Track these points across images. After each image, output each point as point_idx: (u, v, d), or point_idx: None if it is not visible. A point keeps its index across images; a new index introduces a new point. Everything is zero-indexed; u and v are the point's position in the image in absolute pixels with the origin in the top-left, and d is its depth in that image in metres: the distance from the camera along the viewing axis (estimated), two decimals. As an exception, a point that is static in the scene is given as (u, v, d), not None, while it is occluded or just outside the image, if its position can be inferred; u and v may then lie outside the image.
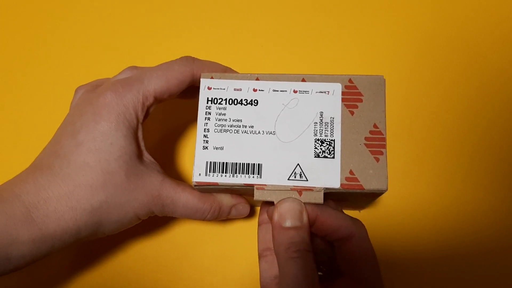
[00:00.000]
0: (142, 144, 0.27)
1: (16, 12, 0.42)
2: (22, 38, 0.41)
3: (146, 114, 0.27)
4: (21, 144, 0.37)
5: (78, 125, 0.25)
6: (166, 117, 0.37)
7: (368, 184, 0.23)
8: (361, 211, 0.33)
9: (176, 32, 0.40)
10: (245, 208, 0.30)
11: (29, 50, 0.40)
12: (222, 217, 0.29)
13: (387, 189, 0.23)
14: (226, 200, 0.29)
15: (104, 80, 0.31)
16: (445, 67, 0.37)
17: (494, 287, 0.32)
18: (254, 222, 0.34)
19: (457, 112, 0.35)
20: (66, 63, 0.40)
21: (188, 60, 0.28)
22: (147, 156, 0.27)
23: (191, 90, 0.29)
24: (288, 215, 0.23)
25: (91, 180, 0.24)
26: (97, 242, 0.33)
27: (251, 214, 0.32)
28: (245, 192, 0.27)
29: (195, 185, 0.25)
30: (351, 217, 0.25)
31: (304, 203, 0.24)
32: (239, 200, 0.29)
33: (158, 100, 0.27)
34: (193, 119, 0.27)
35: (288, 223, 0.23)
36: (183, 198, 0.27)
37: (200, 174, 0.25)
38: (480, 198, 0.33)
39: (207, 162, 0.25)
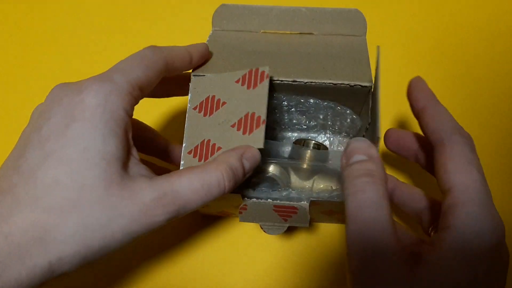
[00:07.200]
0: (129, 139, 0.24)
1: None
2: (15, 37, 0.42)
3: (131, 106, 0.24)
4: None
5: (45, 131, 0.21)
6: (157, 116, 0.38)
7: None
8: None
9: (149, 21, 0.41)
10: (253, 152, 0.26)
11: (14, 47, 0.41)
12: (240, 176, 0.25)
13: None
14: (232, 157, 0.25)
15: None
16: (439, 56, 0.37)
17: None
18: (248, 225, 0.34)
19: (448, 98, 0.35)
20: (45, 59, 0.41)
21: (156, 48, 0.26)
22: (134, 154, 0.24)
23: (162, 87, 0.28)
24: (353, 153, 0.22)
25: (62, 201, 0.20)
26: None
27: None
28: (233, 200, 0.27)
29: None
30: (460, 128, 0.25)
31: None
32: (241, 148, 0.26)
33: (140, 89, 0.24)
34: (182, 120, 0.28)
35: (354, 159, 0.22)
36: (185, 183, 0.22)
37: None
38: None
39: None
